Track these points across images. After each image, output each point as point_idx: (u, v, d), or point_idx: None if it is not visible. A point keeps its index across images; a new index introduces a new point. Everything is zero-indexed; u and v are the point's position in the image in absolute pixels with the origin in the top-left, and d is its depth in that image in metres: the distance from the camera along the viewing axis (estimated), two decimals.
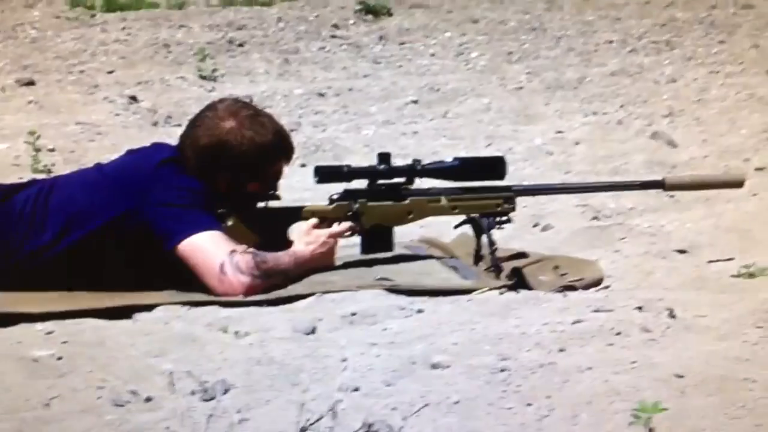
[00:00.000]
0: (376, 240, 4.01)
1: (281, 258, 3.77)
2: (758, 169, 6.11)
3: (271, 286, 3.71)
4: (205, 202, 3.77)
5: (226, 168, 3.82)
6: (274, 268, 3.73)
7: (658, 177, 4.86)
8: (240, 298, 3.63)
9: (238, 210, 3.87)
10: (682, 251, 4.62)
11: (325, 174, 3.99)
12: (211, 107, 3.91)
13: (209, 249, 3.67)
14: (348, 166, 4.03)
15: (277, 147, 3.90)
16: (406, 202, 4.02)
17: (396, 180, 4.03)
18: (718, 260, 4.49)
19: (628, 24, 11.05)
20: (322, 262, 3.89)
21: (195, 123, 3.88)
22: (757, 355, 3.03)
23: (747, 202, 5.38)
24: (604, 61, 9.49)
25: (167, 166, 3.79)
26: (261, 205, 3.95)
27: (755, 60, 9.27)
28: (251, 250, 3.73)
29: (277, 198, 3.95)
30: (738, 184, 4.44)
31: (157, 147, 3.94)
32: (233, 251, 3.68)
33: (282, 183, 4.00)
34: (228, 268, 3.65)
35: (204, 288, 3.68)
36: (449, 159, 4.11)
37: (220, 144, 3.80)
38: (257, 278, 3.68)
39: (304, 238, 3.89)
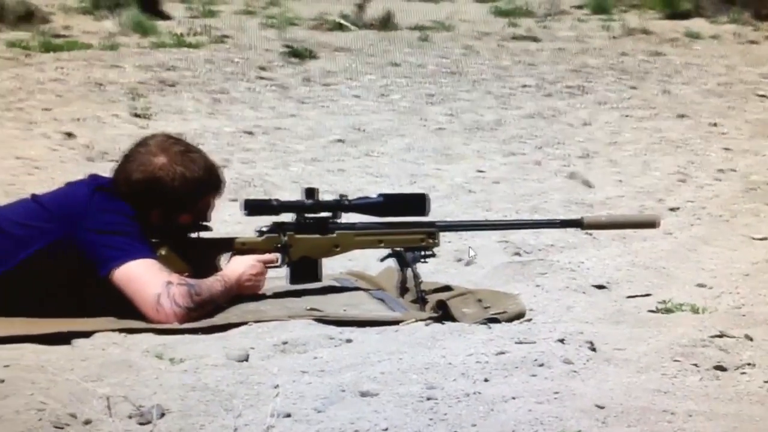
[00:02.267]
0: (304, 271, 4.08)
1: (214, 287, 3.83)
2: (672, 209, 6.23)
3: (205, 314, 3.77)
4: (140, 229, 3.81)
5: (158, 202, 3.85)
6: (207, 298, 3.79)
7: (575, 216, 4.96)
8: (175, 325, 3.68)
9: (170, 240, 3.91)
10: (600, 287, 4.69)
11: (254, 207, 4.06)
12: (144, 143, 3.94)
13: (145, 278, 3.70)
14: (277, 200, 4.11)
15: (207, 182, 3.95)
16: (333, 235, 4.09)
17: (323, 214, 4.09)
18: (635, 296, 4.57)
19: (543, 69, 11.26)
20: (250, 288, 3.96)
21: (128, 158, 3.91)
22: (676, 388, 3.14)
23: (662, 240, 5.47)
24: (521, 104, 9.62)
25: (102, 192, 3.81)
26: (193, 235, 3.99)
27: (666, 105, 9.46)
28: (186, 280, 3.78)
29: (209, 229, 4.00)
30: (653, 224, 4.55)
31: (94, 177, 3.96)
32: (169, 282, 3.72)
33: (213, 216, 4.04)
34: (164, 299, 3.69)
35: (140, 314, 3.71)
36: (374, 195, 4.19)
37: (152, 179, 3.83)
38: (192, 310, 3.73)
39: (233, 262, 3.96)
